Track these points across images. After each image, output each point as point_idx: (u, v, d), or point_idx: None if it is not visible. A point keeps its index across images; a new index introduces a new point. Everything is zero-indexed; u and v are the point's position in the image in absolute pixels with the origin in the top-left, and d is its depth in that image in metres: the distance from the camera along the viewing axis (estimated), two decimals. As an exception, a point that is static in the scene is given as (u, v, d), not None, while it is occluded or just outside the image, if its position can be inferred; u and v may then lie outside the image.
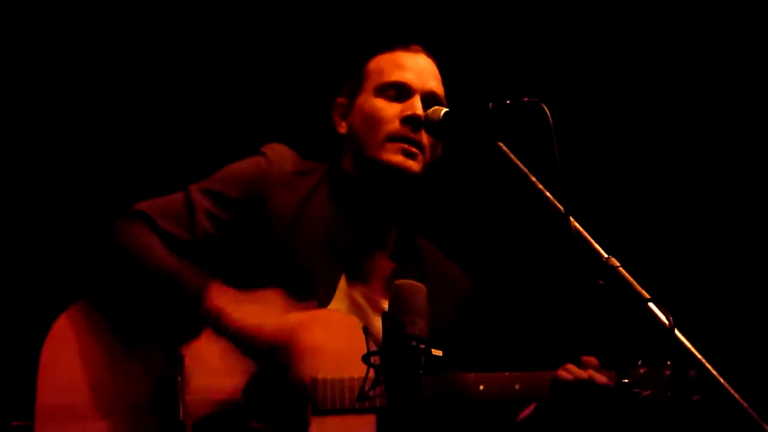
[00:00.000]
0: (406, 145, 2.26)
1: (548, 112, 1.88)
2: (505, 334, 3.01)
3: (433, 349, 1.74)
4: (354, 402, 2.08)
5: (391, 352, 1.74)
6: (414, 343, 1.72)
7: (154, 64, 3.23)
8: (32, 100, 3.16)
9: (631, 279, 1.83)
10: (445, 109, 2.15)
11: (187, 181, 2.31)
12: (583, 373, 2.16)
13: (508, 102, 1.95)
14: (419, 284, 1.76)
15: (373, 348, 1.84)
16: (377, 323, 2.16)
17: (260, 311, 2.13)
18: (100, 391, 2.15)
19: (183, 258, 2.20)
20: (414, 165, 2.27)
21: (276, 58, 3.29)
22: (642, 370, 2.20)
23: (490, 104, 1.98)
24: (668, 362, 2.17)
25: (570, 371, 2.16)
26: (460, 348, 2.36)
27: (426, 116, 2.20)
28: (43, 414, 2.13)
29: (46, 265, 2.60)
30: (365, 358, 1.85)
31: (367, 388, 1.95)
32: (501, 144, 1.99)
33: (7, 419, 2.21)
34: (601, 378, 2.14)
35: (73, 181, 3.14)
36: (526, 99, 1.92)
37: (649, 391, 2.19)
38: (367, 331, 2.09)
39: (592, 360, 2.17)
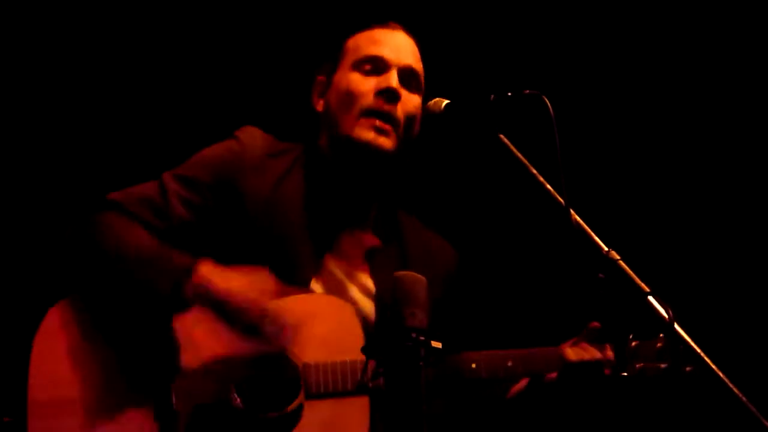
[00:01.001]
0: (378, 121, 2.23)
1: (549, 105, 1.88)
2: (500, 318, 3.03)
3: (432, 341, 1.73)
4: (347, 385, 2.09)
5: (390, 343, 1.73)
6: (414, 335, 1.71)
7: (125, 43, 3.18)
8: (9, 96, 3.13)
9: (631, 272, 1.83)
10: (447, 101, 2.13)
11: (161, 168, 2.29)
12: (586, 354, 2.20)
13: (509, 94, 1.95)
14: (419, 276, 1.75)
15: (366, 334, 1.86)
16: (357, 297, 2.21)
17: (249, 283, 2.10)
18: (92, 384, 2.13)
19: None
20: (386, 142, 2.24)
21: (255, 36, 3.25)
22: (634, 344, 2.24)
23: (492, 96, 1.98)
24: (660, 335, 2.21)
25: (576, 353, 2.20)
26: (445, 321, 2.35)
27: (427, 107, 2.18)
28: (35, 409, 2.12)
29: (32, 261, 2.57)
30: (365, 349, 1.84)
31: (365, 379, 1.98)
32: (502, 136, 1.99)
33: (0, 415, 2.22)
34: (602, 355, 2.20)
35: (53, 176, 3.12)
36: (527, 91, 1.91)
37: (641, 364, 2.22)
38: (366, 322, 2.14)
39: (596, 325, 2.22)
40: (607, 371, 2.22)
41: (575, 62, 3.49)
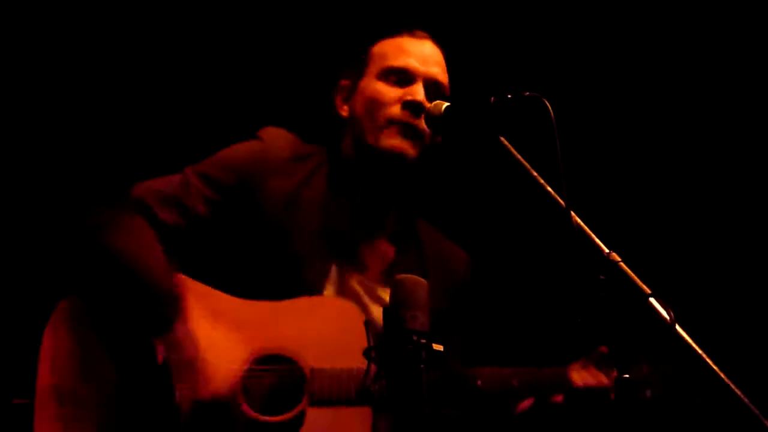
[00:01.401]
0: (404, 129, 2.29)
1: (549, 107, 1.89)
2: (504, 326, 3.06)
3: (434, 344, 1.76)
4: (351, 394, 2.14)
5: (391, 346, 1.76)
6: (415, 338, 1.74)
7: (149, 47, 3.23)
8: (22, 94, 3.18)
9: (632, 274, 1.84)
10: (447, 104, 2.15)
11: (188, 161, 2.36)
12: (592, 380, 2.25)
13: (509, 96, 1.96)
14: (420, 279, 1.78)
15: (373, 341, 1.88)
16: (375, 311, 2.26)
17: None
18: (96, 375, 2.20)
19: (178, 241, 2.27)
20: (411, 151, 2.29)
21: (280, 39, 3.30)
22: (645, 368, 2.28)
23: (492, 99, 1.99)
24: (670, 361, 2.24)
25: (582, 377, 2.26)
26: (458, 330, 2.41)
27: (427, 110, 2.21)
28: (42, 394, 2.19)
29: (50, 251, 2.64)
30: (366, 353, 1.88)
31: (367, 383, 2.00)
32: (502, 138, 2.00)
33: (9, 397, 2.28)
34: (609, 381, 2.24)
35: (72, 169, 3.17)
36: (527, 93, 1.92)
37: (650, 390, 2.27)
38: (368, 324, 2.11)
39: (605, 350, 2.26)
40: (612, 396, 2.26)
41: (575, 64, 3.50)
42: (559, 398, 2.27)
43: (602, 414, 2.28)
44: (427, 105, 2.27)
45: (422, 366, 1.74)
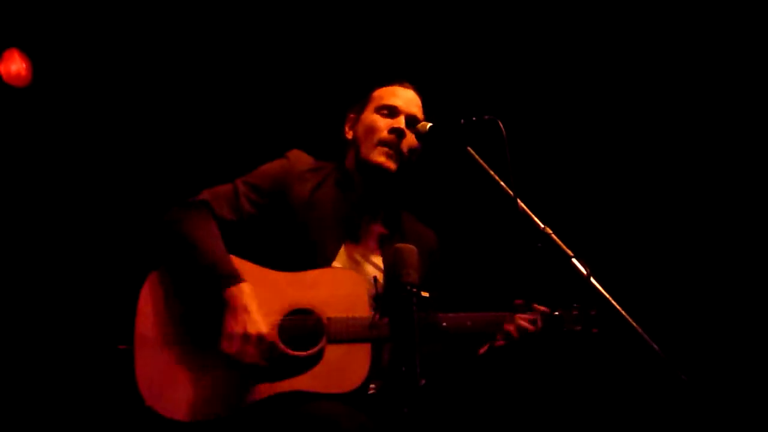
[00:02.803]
0: (388, 150, 2.94)
1: (502, 126, 2.49)
2: (465, 283, 3.57)
3: (422, 292, 2.26)
4: (357, 334, 2.69)
5: (392, 294, 2.26)
6: (408, 288, 2.23)
7: (217, 87, 3.92)
8: (124, 97, 3.83)
9: (559, 241, 2.41)
10: (430, 124, 2.82)
11: (237, 174, 2.98)
12: (531, 326, 2.83)
13: (474, 119, 2.55)
14: (412, 246, 2.31)
15: (380, 291, 2.40)
16: (371, 272, 2.86)
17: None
18: (181, 326, 2.72)
19: (232, 232, 2.83)
20: (392, 165, 2.94)
21: (305, 85, 4.00)
22: (558, 311, 2.87)
23: (462, 120, 2.60)
24: (575, 305, 2.85)
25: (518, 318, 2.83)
26: (432, 287, 2.82)
27: (417, 128, 2.87)
28: (140, 341, 2.71)
29: (145, 236, 3.11)
30: (375, 299, 2.47)
31: (375, 320, 2.61)
32: (469, 148, 2.61)
33: (115, 343, 2.79)
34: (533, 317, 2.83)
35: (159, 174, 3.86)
36: (486, 117, 2.52)
37: (565, 328, 2.85)
38: (375, 280, 2.75)
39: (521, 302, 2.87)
40: (540, 325, 2.84)
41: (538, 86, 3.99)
42: (501, 343, 2.82)
43: (534, 348, 2.83)
44: (407, 132, 2.91)
45: (414, 308, 2.21)
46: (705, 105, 3.89)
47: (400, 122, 2.96)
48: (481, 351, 2.91)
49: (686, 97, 3.92)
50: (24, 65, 3.59)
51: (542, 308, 2.88)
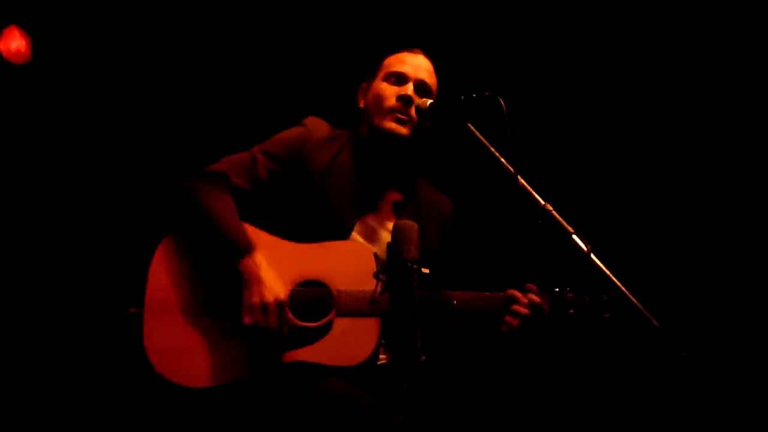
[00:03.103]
0: (399, 115, 2.93)
1: (503, 102, 2.48)
2: (474, 260, 3.47)
3: (423, 268, 2.29)
4: (366, 307, 2.71)
5: (392, 270, 2.29)
6: (409, 264, 2.26)
7: (233, 59, 3.91)
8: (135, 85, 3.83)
9: (560, 218, 2.40)
10: (431, 101, 2.82)
11: (256, 140, 2.98)
12: (534, 298, 2.83)
13: (474, 95, 2.55)
14: (413, 222, 2.33)
15: (381, 267, 2.40)
16: (385, 238, 2.84)
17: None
18: (192, 293, 2.75)
19: (248, 201, 2.85)
20: (403, 130, 2.94)
21: (324, 59, 4.01)
22: (569, 295, 2.86)
23: (462, 97, 2.59)
24: (587, 290, 2.84)
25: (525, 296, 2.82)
26: (448, 256, 2.98)
27: (417, 105, 2.88)
28: (150, 305, 2.73)
29: (160, 203, 3.08)
30: (375, 275, 2.47)
31: (376, 296, 2.59)
32: (470, 125, 2.59)
33: (126, 306, 2.78)
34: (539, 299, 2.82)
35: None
36: (487, 93, 2.51)
37: (572, 310, 2.85)
38: (376, 256, 2.75)
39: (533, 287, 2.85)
40: (546, 308, 2.84)
41: (541, 65, 3.96)
42: (511, 319, 2.80)
43: (544, 329, 2.83)
44: (416, 99, 2.91)
45: (414, 284, 2.24)
46: (714, 79, 3.88)
47: (408, 89, 2.96)
48: (504, 329, 2.86)
49: (692, 74, 3.91)
50: (24, 42, 3.60)
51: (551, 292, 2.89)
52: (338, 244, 2.85)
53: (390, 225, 2.84)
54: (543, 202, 2.45)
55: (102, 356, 3.58)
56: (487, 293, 2.85)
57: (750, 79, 3.83)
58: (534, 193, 2.47)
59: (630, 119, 3.97)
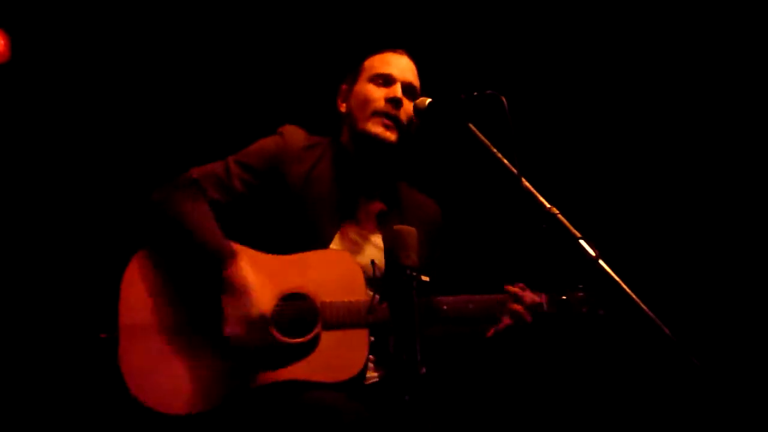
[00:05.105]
0: (386, 120, 2.82)
1: (505, 102, 2.37)
2: (468, 262, 3.54)
3: (422, 276, 2.25)
4: (354, 319, 2.61)
5: (392, 278, 2.21)
6: (408, 271, 2.19)
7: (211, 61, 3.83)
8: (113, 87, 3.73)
9: (566, 222, 2.30)
10: (430, 99, 2.65)
11: (231, 150, 2.87)
12: (530, 298, 2.74)
13: (475, 94, 2.44)
14: (411, 228, 2.25)
15: (379, 274, 2.33)
16: (368, 251, 2.77)
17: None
18: (167, 313, 2.64)
19: (222, 214, 2.73)
20: (391, 135, 2.83)
21: (297, 57, 3.89)
22: (563, 296, 2.78)
23: (462, 95, 2.48)
24: (580, 287, 2.77)
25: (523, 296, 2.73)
26: (435, 265, 2.86)
27: (415, 104, 2.71)
28: (124, 328, 2.61)
29: (130, 216, 3.04)
30: (374, 283, 2.39)
31: (374, 304, 2.54)
32: (470, 125, 2.48)
33: (97, 332, 2.68)
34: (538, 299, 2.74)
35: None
36: (488, 92, 2.41)
37: (585, 308, 2.78)
38: (374, 263, 2.63)
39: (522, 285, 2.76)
40: (546, 309, 2.76)
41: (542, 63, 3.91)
42: (507, 320, 2.73)
43: (540, 332, 2.76)
44: (404, 100, 2.81)
45: (414, 291, 2.17)
46: (720, 75, 3.85)
47: (396, 91, 2.86)
48: (489, 334, 2.80)
49: (697, 70, 3.88)
50: (2, 41, 3.50)
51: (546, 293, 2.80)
52: (317, 254, 2.74)
53: (374, 238, 2.83)
54: (548, 206, 2.34)
55: (74, 388, 3.45)
56: (478, 296, 2.77)
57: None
58: (539, 195, 2.37)
59: (637, 120, 3.94)
